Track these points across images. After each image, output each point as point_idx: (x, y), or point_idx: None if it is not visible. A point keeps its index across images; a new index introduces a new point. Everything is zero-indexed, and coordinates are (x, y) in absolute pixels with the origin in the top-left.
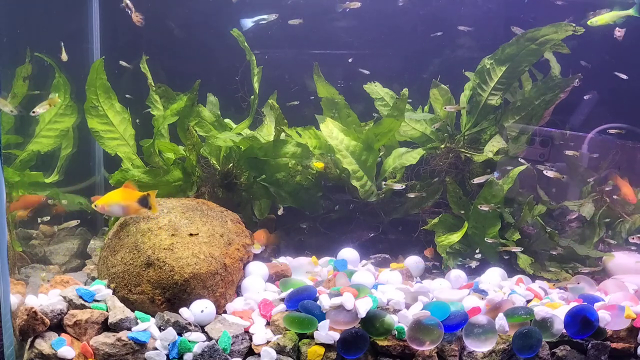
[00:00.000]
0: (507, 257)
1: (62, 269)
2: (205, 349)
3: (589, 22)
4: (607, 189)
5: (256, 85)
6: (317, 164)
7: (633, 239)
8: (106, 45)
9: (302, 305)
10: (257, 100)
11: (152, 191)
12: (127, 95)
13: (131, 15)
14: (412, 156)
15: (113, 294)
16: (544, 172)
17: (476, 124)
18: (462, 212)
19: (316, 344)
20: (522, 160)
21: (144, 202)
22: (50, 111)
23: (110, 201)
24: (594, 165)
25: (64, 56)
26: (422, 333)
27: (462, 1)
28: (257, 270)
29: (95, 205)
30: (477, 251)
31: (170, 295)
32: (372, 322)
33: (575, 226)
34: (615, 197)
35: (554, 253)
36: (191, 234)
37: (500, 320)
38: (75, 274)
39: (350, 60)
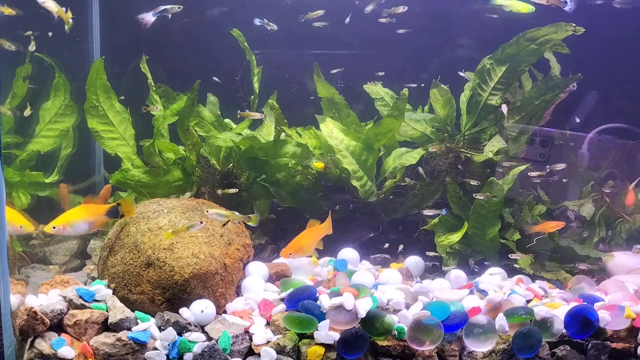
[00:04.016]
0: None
1: (62, 269)
2: (205, 349)
3: None
4: (606, 190)
5: (256, 85)
6: (317, 164)
7: (637, 251)
8: (106, 45)
9: (302, 305)
10: (257, 100)
11: (126, 199)
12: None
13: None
14: (412, 156)
15: (113, 294)
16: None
17: (476, 124)
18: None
19: (316, 344)
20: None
21: (114, 213)
22: (50, 111)
23: (72, 220)
24: (594, 165)
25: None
26: (422, 333)
27: (463, 1)
28: (257, 270)
29: (53, 227)
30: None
31: (170, 295)
32: (372, 322)
33: (576, 226)
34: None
35: (544, 275)
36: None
37: (500, 320)
38: (75, 274)
39: (333, 71)
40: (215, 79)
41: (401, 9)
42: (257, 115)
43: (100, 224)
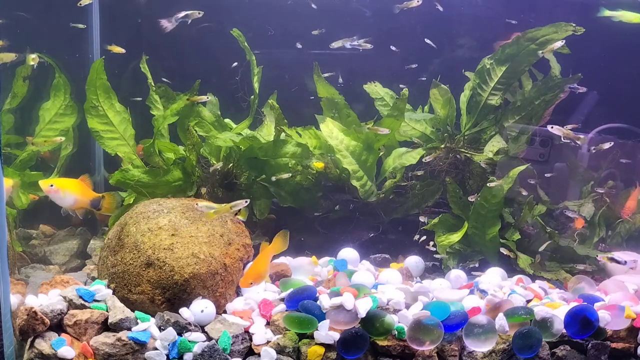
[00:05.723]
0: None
1: (62, 269)
2: (205, 349)
3: None
4: (601, 190)
5: (256, 85)
6: (317, 164)
7: (599, 258)
8: (106, 45)
9: (302, 305)
10: (257, 100)
11: (110, 195)
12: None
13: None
14: (412, 156)
15: (113, 294)
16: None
17: (476, 124)
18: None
19: (316, 344)
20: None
21: (96, 204)
22: (50, 111)
23: (68, 188)
24: (594, 165)
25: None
26: (422, 333)
27: (462, 1)
28: None
29: (51, 185)
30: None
31: (170, 295)
32: (372, 322)
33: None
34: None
35: (544, 275)
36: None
37: (500, 320)
38: (75, 274)
39: (326, 75)
40: (235, 64)
41: (415, 3)
42: (385, 131)
43: (80, 206)
